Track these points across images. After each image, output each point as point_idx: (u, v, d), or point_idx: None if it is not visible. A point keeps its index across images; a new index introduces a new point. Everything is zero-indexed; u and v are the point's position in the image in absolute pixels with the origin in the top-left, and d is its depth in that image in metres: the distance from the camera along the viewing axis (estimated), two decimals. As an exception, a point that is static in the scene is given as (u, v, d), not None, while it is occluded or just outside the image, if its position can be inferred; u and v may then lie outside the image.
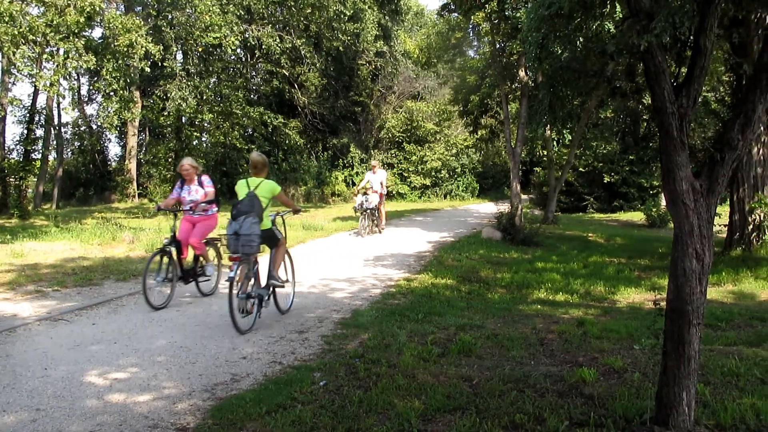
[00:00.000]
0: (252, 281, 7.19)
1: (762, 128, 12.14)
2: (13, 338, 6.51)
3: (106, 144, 38.49)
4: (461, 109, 33.81)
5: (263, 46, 26.71)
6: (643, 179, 29.73)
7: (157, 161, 31.17)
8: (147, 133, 35.12)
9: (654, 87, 3.76)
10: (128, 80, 19.22)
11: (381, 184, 17.40)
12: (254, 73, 36.35)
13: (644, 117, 30.05)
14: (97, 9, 16.67)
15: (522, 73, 17.69)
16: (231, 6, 22.51)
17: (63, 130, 33.61)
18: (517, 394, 4.74)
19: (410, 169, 38.71)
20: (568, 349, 6.17)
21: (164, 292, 8.21)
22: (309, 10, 26.13)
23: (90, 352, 6.04)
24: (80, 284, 9.48)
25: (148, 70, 20.43)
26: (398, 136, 39.00)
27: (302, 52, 28.88)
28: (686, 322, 3.76)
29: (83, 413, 4.54)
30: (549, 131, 22.66)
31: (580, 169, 30.62)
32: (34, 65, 17.65)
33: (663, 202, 24.35)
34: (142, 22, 19.15)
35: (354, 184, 34.01)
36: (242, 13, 24.52)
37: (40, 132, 28.28)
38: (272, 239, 7.54)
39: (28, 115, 27.57)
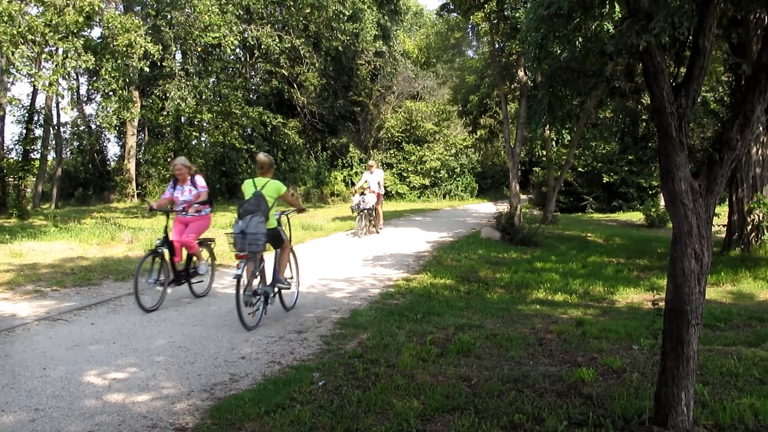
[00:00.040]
0: (258, 279, 7.35)
1: (761, 128, 12.15)
2: (12, 338, 6.51)
3: (105, 144, 38.52)
4: (460, 109, 33.77)
5: (262, 46, 26.70)
6: (642, 179, 29.75)
7: (156, 161, 31.15)
8: (146, 132, 35.11)
9: (653, 87, 3.76)
10: (127, 80, 19.21)
11: (378, 184, 17.37)
12: (253, 73, 36.35)
13: (643, 117, 30.16)
14: (96, 9, 16.65)
15: (521, 73, 17.69)
16: (230, 6, 22.50)
17: (62, 129, 33.62)
18: (516, 394, 4.74)
19: (409, 169, 38.71)
20: (567, 349, 6.17)
21: (156, 294, 8.02)
22: (308, 10, 26.13)
23: (89, 352, 6.04)
24: (79, 284, 9.47)
25: (147, 69, 20.43)
26: (397, 136, 39.00)
27: (301, 52, 28.88)
28: (685, 322, 3.77)
29: (82, 413, 4.54)
30: (548, 131, 22.66)
31: (579, 169, 30.63)
32: (33, 65, 17.61)
33: (662, 202, 24.36)
34: (141, 22, 19.14)
35: (353, 183, 33.99)
36: (241, 12, 24.51)
37: (39, 132, 28.31)
38: (277, 239, 7.66)
39: (27, 114, 27.59)
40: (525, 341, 6.49)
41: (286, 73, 32.82)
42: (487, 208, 28.57)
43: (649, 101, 3.95)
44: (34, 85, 21.31)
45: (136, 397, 4.87)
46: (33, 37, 15.97)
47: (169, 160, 27.17)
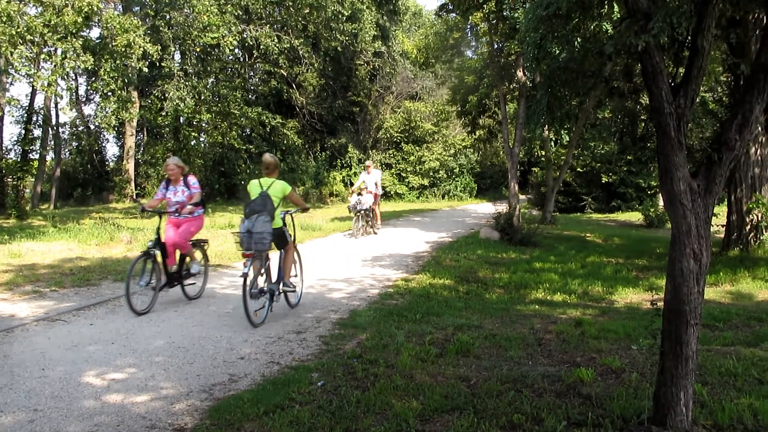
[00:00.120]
0: (264, 277, 7.55)
1: (759, 129, 12.16)
2: (11, 339, 6.50)
3: (103, 144, 38.51)
4: (459, 109, 33.83)
5: (261, 47, 26.65)
6: (641, 179, 29.75)
7: (155, 161, 31.09)
8: (145, 133, 35.10)
9: (652, 87, 3.76)
10: (126, 80, 19.21)
11: (376, 184, 17.30)
12: (252, 74, 36.31)
13: (642, 117, 30.14)
14: (95, 9, 16.64)
15: (520, 74, 17.70)
16: (229, 6, 22.48)
17: (61, 130, 33.63)
18: (515, 394, 4.74)
19: (408, 169, 38.68)
20: (566, 350, 6.17)
21: (147, 297, 7.87)
22: (307, 10, 26.11)
23: (88, 353, 6.03)
24: (78, 284, 9.47)
25: (146, 70, 20.39)
26: (396, 137, 38.98)
27: (300, 53, 28.87)
28: (684, 322, 3.77)
29: (81, 414, 4.54)
30: (547, 131, 22.68)
31: (578, 169, 30.63)
32: (32, 65, 17.60)
33: (661, 203, 24.38)
34: (140, 22, 19.14)
35: (352, 184, 33.99)
36: (240, 13, 24.48)
37: (37, 132, 28.30)
38: (282, 239, 7.78)
39: (25, 115, 27.58)
40: (524, 341, 6.49)
41: (285, 74, 32.80)
42: (486, 208, 28.57)
43: (647, 101, 3.95)
44: (32, 86, 21.29)
45: (134, 397, 4.87)
46: (32, 38, 15.96)
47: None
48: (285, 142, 33.09)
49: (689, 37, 3.92)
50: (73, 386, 5.09)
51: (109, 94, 19.03)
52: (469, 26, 24.87)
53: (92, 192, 34.95)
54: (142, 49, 17.83)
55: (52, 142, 31.16)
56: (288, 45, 27.57)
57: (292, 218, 8.33)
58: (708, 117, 21.84)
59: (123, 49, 17.39)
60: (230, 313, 7.92)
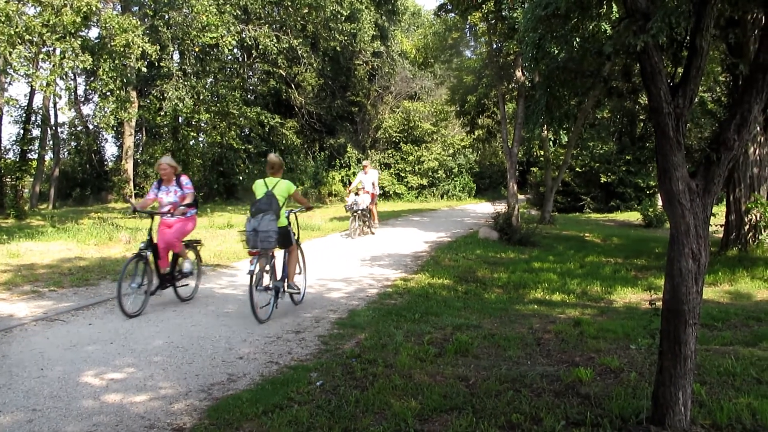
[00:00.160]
0: (269, 274, 7.74)
1: (758, 128, 12.17)
2: (9, 338, 6.50)
3: (102, 144, 38.50)
4: (458, 109, 33.84)
5: (260, 46, 26.65)
6: (639, 179, 29.76)
7: (154, 161, 30.98)
8: (144, 133, 35.09)
9: (650, 87, 3.77)
10: (125, 80, 19.22)
11: (373, 184, 17.25)
12: (251, 73, 36.32)
13: (641, 117, 30.18)
14: (94, 9, 16.64)
15: (519, 74, 17.70)
16: (228, 6, 22.48)
17: (59, 130, 33.65)
18: (514, 393, 4.74)
19: (407, 169, 38.67)
20: (565, 349, 6.18)
21: (139, 300, 7.71)
22: (306, 10, 26.10)
23: (86, 353, 6.03)
24: (77, 284, 9.46)
25: (144, 70, 20.38)
26: (395, 136, 38.97)
27: (299, 52, 28.87)
28: (682, 321, 3.77)
29: (79, 413, 4.53)
30: (546, 131, 22.70)
31: (577, 169, 30.62)
32: (31, 65, 17.60)
33: (659, 202, 24.38)
34: (139, 22, 19.14)
35: (350, 183, 34.02)
36: (239, 13, 24.49)
37: (36, 132, 28.32)
38: (286, 238, 7.92)
39: (24, 115, 27.58)
40: (523, 341, 6.50)
41: (284, 74, 32.80)
42: (485, 208, 28.57)
43: (646, 101, 3.95)
44: (31, 86, 21.27)
45: (133, 397, 4.87)
46: (30, 38, 15.96)
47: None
48: (284, 141, 33.10)
49: (688, 37, 3.92)
50: (71, 386, 5.09)
51: (108, 94, 19.04)
52: (467, 26, 24.89)
53: (91, 192, 34.94)
54: (140, 49, 17.83)
55: (51, 142, 31.15)
56: (287, 45, 27.58)
57: (296, 217, 8.49)
58: (707, 117, 21.86)
59: (122, 49, 17.40)
60: (229, 313, 7.92)
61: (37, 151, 27.75)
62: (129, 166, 31.42)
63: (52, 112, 30.60)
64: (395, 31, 38.88)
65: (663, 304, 3.94)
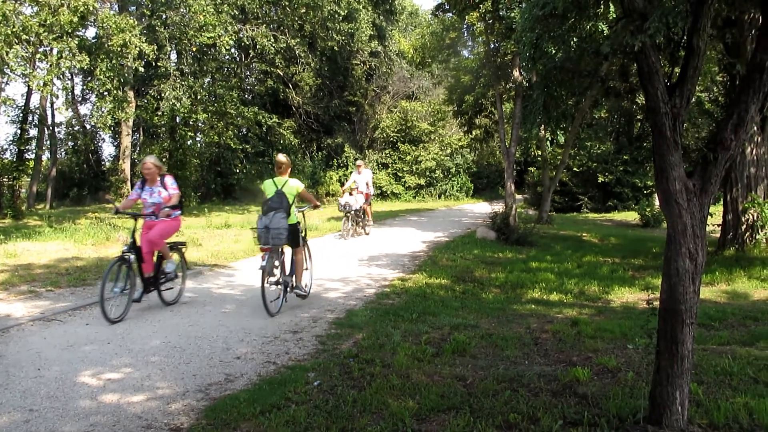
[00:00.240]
0: (279, 270, 8.11)
1: (755, 128, 12.19)
2: (6, 339, 6.49)
3: (99, 144, 38.45)
4: (456, 109, 33.78)
5: (257, 46, 26.60)
6: (637, 179, 29.80)
7: (151, 161, 31.00)
8: (141, 133, 35.02)
9: (647, 87, 3.77)
10: (122, 80, 19.17)
11: (367, 184, 17.12)
12: (248, 73, 36.28)
13: (638, 117, 30.23)
14: (91, 9, 16.60)
15: (516, 73, 17.71)
16: (225, 6, 22.45)
17: (56, 129, 33.60)
18: (511, 393, 4.75)
19: (405, 169, 38.68)
20: (562, 349, 6.18)
21: (122, 305, 7.46)
22: (303, 10, 26.08)
23: (83, 353, 6.02)
24: (74, 284, 9.45)
25: (142, 69, 20.35)
26: (393, 136, 38.97)
27: (297, 52, 28.82)
28: (679, 321, 3.77)
29: (76, 414, 4.53)
30: (543, 131, 22.69)
31: (575, 169, 30.66)
32: (28, 65, 17.55)
33: (657, 202, 24.41)
34: (136, 22, 19.08)
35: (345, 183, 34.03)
36: (236, 12, 24.46)
37: (33, 132, 28.24)
38: (295, 236, 8.20)
39: (21, 114, 27.53)
40: (520, 341, 6.50)
41: (282, 73, 32.76)
42: (483, 208, 28.56)
43: (643, 101, 3.96)
44: (28, 85, 21.28)
45: (131, 397, 4.86)
46: (27, 37, 15.91)
47: (164, 160, 27.12)
48: (281, 141, 33.05)
49: (685, 37, 3.93)
50: (68, 386, 5.08)
51: (105, 93, 18.99)
52: (465, 26, 24.84)
53: (88, 192, 34.89)
54: (138, 48, 17.80)
55: (48, 142, 31.10)
56: (284, 45, 27.54)
57: (304, 215, 8.71)
58: (704, 117, 21.92)
59: (119, 49, 17.36)
60: (226, 313, 7.92)
61: (34, 151, 27.70)
62: (126, 166, 31.35)
63: (49, 112, 30.56)
64: (393, 30, 38.87)
65: (660, 304, 3.94)
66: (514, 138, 17.63)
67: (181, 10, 22.04)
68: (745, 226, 12.72)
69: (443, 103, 37.94)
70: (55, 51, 17.44)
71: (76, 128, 36.73)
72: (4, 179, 22.80)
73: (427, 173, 38.83)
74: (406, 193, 38.51)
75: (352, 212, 16.36)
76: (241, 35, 25.98)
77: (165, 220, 8.00)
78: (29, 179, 29.01)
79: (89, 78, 24.76)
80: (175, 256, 8.41)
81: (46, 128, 29.60)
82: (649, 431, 3.84)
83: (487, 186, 42.54)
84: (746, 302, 9.23)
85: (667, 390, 3.81)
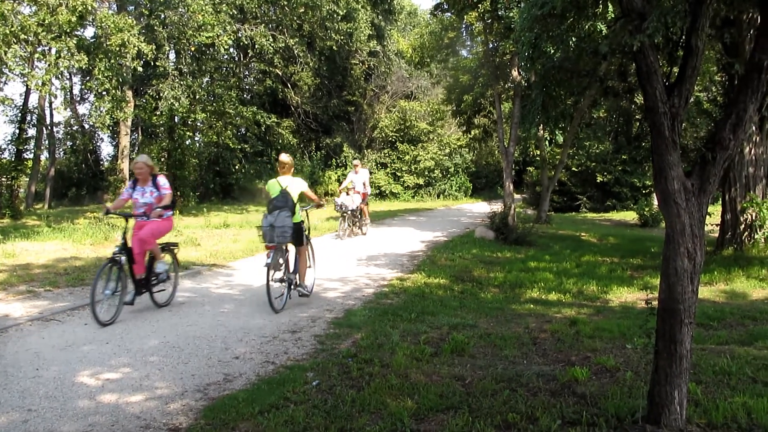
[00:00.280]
0: (283, 267, 8.29)
1: (753, 128, 12.20)
2: (5, 339, 6.48)
3: (98, 143, 38.33)
4: (454, 108, 33.79)
5: (256, 46, 26.58)
6: (635, 179, 29.83)
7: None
8: (139, 132, 34.96)
9: (646, 87, 3.77)
10: (120, 80, 19.12)
11: (364, 184, 17.09)
12: (247, 73, 36.27)
13: (637, 117, 30.26)
14: (89, 8, 16.59)
15: (515, 73, 17.71)
16: (224, 5, 22.42)
17: (55, 129, 33.52)
18: (510, 393, 4.74)
19: (403, 168, 38.69)
20: (561, 349, 6.18)
21: (113, 307, 7.33)
22: (302, 10, 26.06)
23: (82, 353, 6.02)
24: (72, 284, 9.44)
25: (140, 69, 20.34)
26: (391, 136, 38.98)
27: (295, 52, 28.79)
28: (678, 321, 3.78)
29: (75, 414, 4.52)
30: (542, 131, 22.72)
31: (573, 168, 30.69)
32: (26, 64, 17.53)
33: (655, 202, 24.42)
34: (135, 22, 19.06)
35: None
36: (235, 12, 24.42)
37: (32, 131, 28.17)
38: (299, 235, 8.36)
39: (19, 114, 27.45)
40: (519, 340, 6.50)
41: (280, 73, 32.76)
42: (481, 207, 28.58)
43: (642, 101, 3.96)
44: (27, 85, 21.22)
45: (129, 397, 4.86)
46: (26, 37, 15.89)
47: (162, 160, 27.13)
48: (280, 141, 33.02)
49: (683, 37, 3.93)
50: (67, 386, 5.08)
51: (104, 93, 18.99)
52: (464, 26, 24.85)
53: (87, 191, 34.86)
54: (136, 48, 17.78)
55: (47, 142, 31.05)
56: (283, 44, 27.51)
57: (307, 213, 8.84)
58: (702, 116, 21.94)
59: (117, 49, 17.34)
60: (225, 313, 7.92)
61: (32, 151, 27.63)
62: (125, 165, 31.29)
63: (47, 112, 30.49)
64: (391, 30, 38.87)
65: (659, 304, 3.95)
66: (512, 138, 17.64)
67: (180, 9, 22.00)
68: (743, 225, 12.73)
69: (442, 103, 37.96)
70: (53, 50, 17.42)
71: (74, 128, 36.66)
72: (3, 179, 22.77)
73: (426, 173, 38.84)
74: (404, 193, 38.53)
75: (349, 212, 16.29)
76: (240, 35, 25.96)
77: (156, 221, 7.86)
78: (28, 179, 28.98)
79: (88, 78, 24.74)
80: (167, 257, 8.26)
81: (44, 128, 29.55)
82: (647, 431, 3.84)
83: (486, 186, 42.59)
84: (745, 302, 9.23)
85: (665, 389, 3.82)
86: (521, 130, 18.59)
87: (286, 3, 25.65)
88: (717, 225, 13.65)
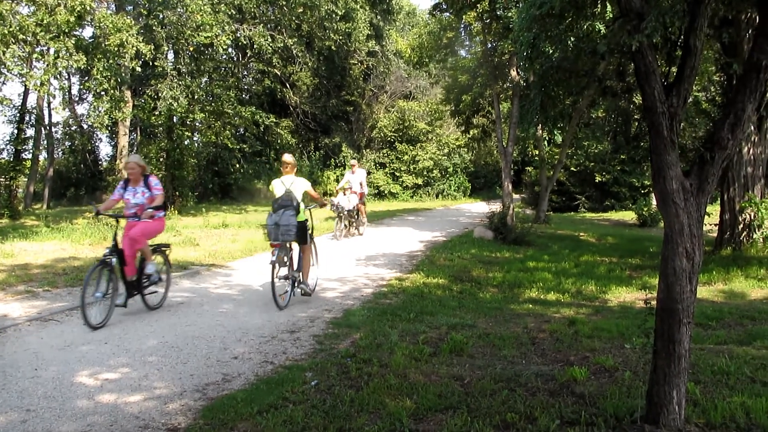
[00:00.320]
0: (287, 265, 8.43)
1: (752, 128, 12.21)
2: (3, 339, 6.48)
3: (96, 144, 38.27)
4: (453, 108, 33.81)
5: (255, 46, 26.60)
6: (634, 179, 29.85)
7: (148, 161, 30.91)
8: (138, 132, 34.90)
9: (644, 87, 3.77)
10: (119, 80, 19.13)
11: (361, 184, 17.05)
12: (246, 73, 36.24)
13: (635, 116, 30.27)
14: (88, 8, 16.57)
15: (513, 73, 17.72)
16: (222, 5, 22.43)
17: (54, 129, 33.46)
18: (509, 393, 4.74)
19: (402, 168, 38.70)
20: (560, 348, 6.18)
21: (104, 310, 7.17)
22: (301, 10, 26.06)
23: (80, 353, 6.01)
24: (71, 284, 9.43)
25: (139, 69, 20.33)
26: (390, 136, 38.99)
27: (294, 52, 28.80)
28: (676, 320, 3.78)
29: (74, 414, 4.52)
30: (540, 131, 22.72)
31: (572, 168, 30.71)
32: (25, 65, 17.54)
33: (654, 202, 24.45)
34: (133, 22, 19.05)
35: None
36: (233, 12, 24.42)
37: (30, 132, 28.16)
38: (303, 234, 8.49)
39: (18, 114, 27.43)
40: (517, 340, 6.50)
41: (279, 73, 32.75)
42: (480, 207, 28.58)
43: (640, 101, 3.96)
44: (25, 85, 21.20)
45: (128, 397, 4.86)
46: (24, 37, 15.87)
47: (161, 160, 27.11)
48: (279, 141, 33.03)
49: (682, 37, 3.93)
50: (65, 386, 5.07)
51: (102, 93, 18.97)
52: (462, 25, 24.83)
53: (85, 192, 34.82)
54: (135, 48, 17.77)
55: (45, 142, 31.01)
56: (281, 44, 27.51)
57: (311, 212, 8.98)
58: (701, 116, 21.96)
59: (116, 49, 17.33)
60: (224, 313, 7.92)
61: (31, 151, 27.60)
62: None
63: (46, 112, 30.45)
64: (390, 30, 38.85)
65: (657, 303, 3.95)
66: (511, 137, 17.65)
67: (178, 9, 22.01)
68: (742, 225, 12.74)
69: (440, 103, 37.97)
70: (52, 51, 17.40)
71: (73, 128, 36.60)
72: (1, 179, 22.77)
73: (425, 173, 38.86)
74: (403, 193, 38.54)
75: (345, 213, 16.24)
76: (239, 35, 25.95)
77: (148, 221, 7.74)
78: (26, 179, 28.94)
79: (86, 78, 24.72)
80: (158, 259, 8.15)
81: (43, 128, 29.53)
82: (646, 430, 3.84)
83: (485, 185, 42.61)
84: (743, 302, 9.24)
85: (664, 389, 3.82)
86: (520, 130, 18.60)
87: (284, 3, 25.65)
88: (715, 225, 13.65)
